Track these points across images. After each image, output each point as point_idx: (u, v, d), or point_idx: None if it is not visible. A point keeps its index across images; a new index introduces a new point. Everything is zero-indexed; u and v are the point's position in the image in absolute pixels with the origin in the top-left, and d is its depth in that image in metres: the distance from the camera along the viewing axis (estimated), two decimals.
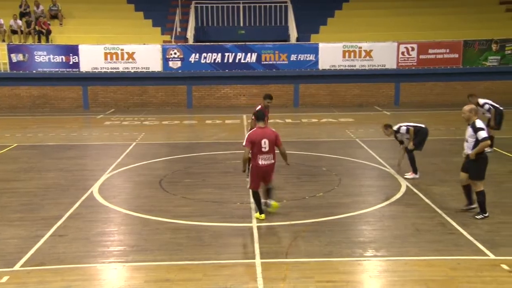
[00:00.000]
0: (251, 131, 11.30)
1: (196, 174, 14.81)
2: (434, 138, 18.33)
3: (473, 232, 10.04)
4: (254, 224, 10.71)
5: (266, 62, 28.20)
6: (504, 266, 8.52)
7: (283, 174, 14.22)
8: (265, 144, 10.54)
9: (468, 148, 10.87)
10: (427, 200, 12.06)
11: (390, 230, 10.59)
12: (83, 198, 12.59)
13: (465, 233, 10.02)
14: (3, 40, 28.80)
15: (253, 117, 11.96)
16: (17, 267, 8.89)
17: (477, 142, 10.60)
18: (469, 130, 10.83)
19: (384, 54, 28.48)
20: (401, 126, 13.84)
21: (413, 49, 28.62)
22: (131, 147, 18.11)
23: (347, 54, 28.54)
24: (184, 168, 15.49)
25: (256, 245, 9.60)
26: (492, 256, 8.95)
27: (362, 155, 16.92)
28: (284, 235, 10.22)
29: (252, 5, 30.54)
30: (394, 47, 28.56)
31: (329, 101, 28.60)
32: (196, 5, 30.13)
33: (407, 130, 13.69)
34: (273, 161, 10.86)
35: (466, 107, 10.95)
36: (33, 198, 12.83)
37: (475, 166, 10.72)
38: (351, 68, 28.60)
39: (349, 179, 14.36)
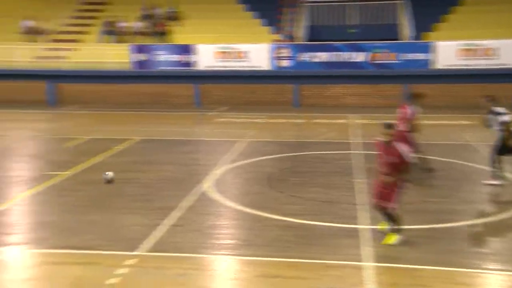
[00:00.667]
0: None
1: (304, 173, 14.72)
2: None
3: None
4: (363, 226, 10.49)
5: (377, 61, 27.70)
6: None
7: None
8: None
9: None
10: None
11: None
12: (196, 191, 12.91)
13: None
14: (126, 41, 29.91)
15: None
16: (138, 251, 9.40)
17: None
18: None
19: (507, 52, 26.87)
20: (505, 113, 12.80)
21: None
22: (241, 144, 18.29)
23: (464, 52, 27.32)
24: (291, 167, 15.49)
25: (366, 248, 9.37)
26: None
27: (478, 160, 16.12)
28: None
29: (363, 3, 30.14)
30: None
31: (444, 101, 27.42)
32: (307, 4, 30.05)
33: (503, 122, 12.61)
34: None
35: None
36: (151, 189, 13.37)
37: None
38: (468, 67, 27.28)
39: (466, 184, 13.90)
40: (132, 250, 9.41)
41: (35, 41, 30.59)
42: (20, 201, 12.80)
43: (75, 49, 29.69)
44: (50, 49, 29.92)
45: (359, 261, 8.81)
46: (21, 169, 16.26)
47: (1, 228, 10.98)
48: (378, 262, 8.76)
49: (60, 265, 9.13)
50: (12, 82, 29.57)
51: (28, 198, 12.99)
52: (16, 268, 9.44)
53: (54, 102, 29.08)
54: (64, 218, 11.36)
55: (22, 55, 29.55)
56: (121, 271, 8.66)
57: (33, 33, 30.89)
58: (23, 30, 30.94)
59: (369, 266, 8.60)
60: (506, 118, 12.83)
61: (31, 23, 30.93)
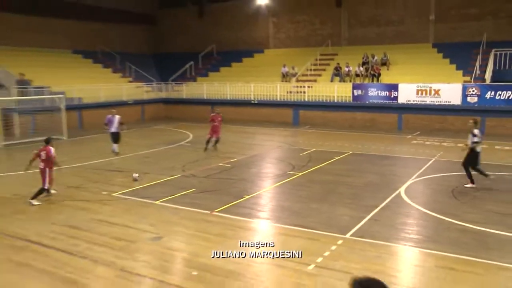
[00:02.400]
0: None
1: (484, 189, 13.28)
2: None
3: None
4: None
5: None
6: None
7: None
8: None
9: None
10: None
11: None
12: (392, 195, 12.61)
13: None
14: (350, 81, 30.18)
15: None
16: (347, 235, 9.44)
17: None
18: None
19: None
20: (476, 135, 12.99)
21: None
22: (430, 162, 17.43)
23: None
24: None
25: None
26: None
27: None
28: None
29: None
30: None
31: None
32: (496, 52, 27.78)
33: None
34: None
35: None
36: (358, 190, 13.35)
37: None
38: None
39: None
40: (342, 234, 9.55)
41: (288, 81, 32.01)
42: (269, 190, 13.55)
43: (312, 86, 30.52)
44: (297, 87, 31.10)
45: None
46: (271, 168, 17.17)
47: (256, 206, 11.77)
48: None
49: (290, 237, 9.56)
50: (272, 108, 31.19)
51: (274, 189, 13.68)
52: (261, 234, 10.04)
53: (297, 123, 30.15)
54: (295, 205, 11.83)
55: (280, 90, 31.13)
56: (333, 247, 8.84)
57: (287, 76, 32.41)
58: (282, 73, 32.60)
59: None
60: (476, 139, 13.15)
61: (286, 69, 32.50)
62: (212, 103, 33.15)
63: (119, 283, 7.51)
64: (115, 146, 19.05)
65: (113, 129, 19.05)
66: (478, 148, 13.32)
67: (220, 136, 20.33)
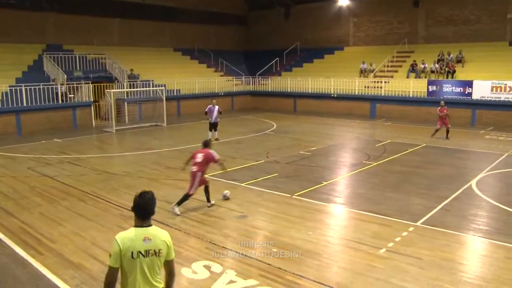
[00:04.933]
0: None
1: None
2: None
3: None
4: None
5: None
6: None
7: None
8: None
9: None
10: None
11: None
12: (464, 187, 12.03)
13: None
14: (425, 77, 28.93)
15: None
16: (418, 223, 9.16)
17: None
18: None
19: None
20: None
21: None
22: (503, 156, 16.31)
23: None
24: None
25: None
26: None
27: None
28: None
29: None
30: None
31: None
32: None
33: None
34: None
35: None
36: (431, 181, 12.83)
37: None
38: None
39: None
40: (414, 221, 9.25)
41: (366, 77, 31.24)
42: (345, 178, 13.38)
43: (389, 82, 29.53)
44: (374, 82, 30.25)
45: None
46: (348, 157, 16.89)
47: (333, 192, 11.67)
48: None
49: (364, 222, 9.40)
50: (350, 102, 30.67)
51: (350, 177, 13.49)
52: (336, 218, 9.95)
53: (374, 116, 29.37)
54: (370, 192, 11.58)
55: (358, 85, 30.48)
56: (404, 233, 8.60)
57: (365, 72, 31.64)
58: (360, 69, 31.88)
59: None
60: None
61: (365, 65, 31.71)
62: (295, 96, 33.22)
63: (208, 253, 7.76)
64: (210, 134, 19.20)
65: (213, 119, 19.25)
66: None
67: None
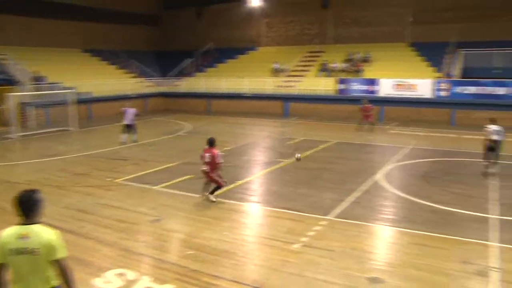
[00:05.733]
0: None
1: (452, 173, 13.56)
2: None
3: None
4: (492, 216, 9.56)
5: None
6: None
7: None
8: None
9: None
10: None
11: None
12: (372, 180, 12.65)
13: None
14: (335, 76, 30.14)
15: None
16: (329, 216, 9.49)
17: None
18: None
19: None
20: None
21: None
22: (406, 149, 17.44)
23: None
24: (443, 168, 14.38)
25: (493, 232, 8.59)
26: None
27: None
28: None
29: (506, 50, 27.10)
30: None
31: None
32: (465, 51, 27.96)
33: None
34: None
35: None
36: (341, 175, 13.35)
37: None
38: None
39: None
40: (325, 215, 9.55)
41: (278, 76, 31.92)
42: (259, 176, 13.52)
43: (301, 81, 30.45)
44: (286, 81, 31.04)
45: (487, 241, 8.19)
46: (262, 156, 17.11)
47: (247, 191, 11.74)
48: (506, 244, 8.03)
49: (279, 218, 9.56)
50: (264, 101, 31.15)
51: (264, 175, 13.65)
52: (252, 216, 10.02)
53: (287, 114, 30.09)
54: (283, 189, 11.80)
55: (271, 84, 31.13)
56: (317, 228, 8.84)
57: (277, 71, 32.29)
58: (273, 69, 32.47)
59: (498, 246, 7.95)
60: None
61: (277, 65, 32.37)
62: (209, 96, 33.13)
63: (121, 261, 7.47)
64: (124, 136, 18.73)
65: (127, 121, 18.76)
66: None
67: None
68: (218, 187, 10.59)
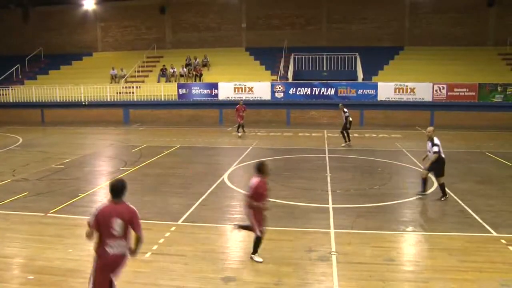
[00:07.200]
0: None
1: (292, 169, 14.71)
2: (457, 150, 17.42)
3: (482, 216, 9.67)
4: (332, 205, 10.58)
5: (341, 95, 27.43)
6: (503, 241, 8.25)
7: (351, 171, 14.01)
8: None
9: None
10: (451, 194, 11.45)
11: (424, 214, 10.39)
12: (217, 182, 12.96)
13: (477, 217, 9.69)
14: (175, 81, 30.26)
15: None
16: (179, 222, 9.46)
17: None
18: (429, 144, 10.91)
19: (423, 91, 26.94)
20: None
21: (443, 88, 27.00)
22: (248, 150, 18.30)
23: (397, 90, 27.23)
24: (283, 165, 15.48)
25: (331, 220, 9.52)
26: (494, 234, 8.66)
27: (406, 161, 16.20)
28: (351, 214, 9.96)
29: (332, 56, 30.23)
30: (430, 86, 26.92)
31: (384, 122, 27.25)
32: (295, 56, 30.38)
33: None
34: None
35: (430, 128, 11.06)
36: (188, 179, 13.46)
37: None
38: (400, 100, 27.18)
39: (397, 177, 13.92)
40: (174, 221, 9.51)
41: (117, 83, 30.80)
42: (103, 187, 12.83)
43: (141, 87, 29.86)
44: (126, 87, 30.14)
45: (327, 228, 9.00)
46: (105, 166, 16.34)
47: (91, 204, 11.00)
48: (339, 229, 8.94)
49: None
50: (103, 109, 29.91)
51: (108, 185, 13.00)
52: None
53: (128, 121, 29.25)
54: (129, 198, 11.12)
55: (110, 91, 29.90)
56: (167, 234, 8.76)
57: (116, 77, 31.14)
58: (110, 76, 31.18)
59: (333, 232, 8.78)
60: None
61: (115, 71, 31.18)
62: (42, 106, 30.48)
63: None
64: None
65: None
66: None
67: None
68: (257, 238, 7.64)
